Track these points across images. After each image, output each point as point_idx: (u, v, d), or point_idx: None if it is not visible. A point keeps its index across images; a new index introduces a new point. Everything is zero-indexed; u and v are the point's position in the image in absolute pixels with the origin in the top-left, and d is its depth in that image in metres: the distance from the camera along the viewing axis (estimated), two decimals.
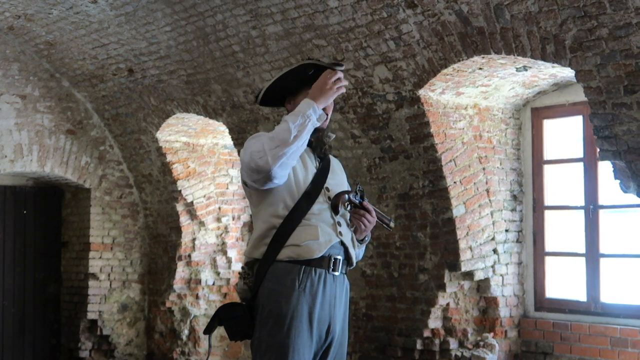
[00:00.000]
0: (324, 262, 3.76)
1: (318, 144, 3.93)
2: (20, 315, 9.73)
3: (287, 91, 3.91)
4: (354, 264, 3.93)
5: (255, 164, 3.65)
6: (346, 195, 3.83)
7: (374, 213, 3.91)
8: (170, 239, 9.61)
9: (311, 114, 3.68)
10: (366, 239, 3.99)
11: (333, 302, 3.79)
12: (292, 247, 3.73)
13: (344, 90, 3.81)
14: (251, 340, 3.78)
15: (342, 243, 3.83)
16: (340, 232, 3.83)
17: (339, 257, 3.81)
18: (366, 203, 3.88)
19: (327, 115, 3.81)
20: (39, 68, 9.35)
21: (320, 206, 3.79)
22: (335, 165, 4.03)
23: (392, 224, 4.05)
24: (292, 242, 3.73)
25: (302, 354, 3.69)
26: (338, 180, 3.96)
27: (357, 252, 3.98)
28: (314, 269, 3.74)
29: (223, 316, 3.79)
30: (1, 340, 9.61)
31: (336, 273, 3.80)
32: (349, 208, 3.85)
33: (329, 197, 3.84)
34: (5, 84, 9.17)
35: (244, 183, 3.85)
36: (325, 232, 3.77)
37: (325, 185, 3.87)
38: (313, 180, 3.84)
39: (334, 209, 3.80)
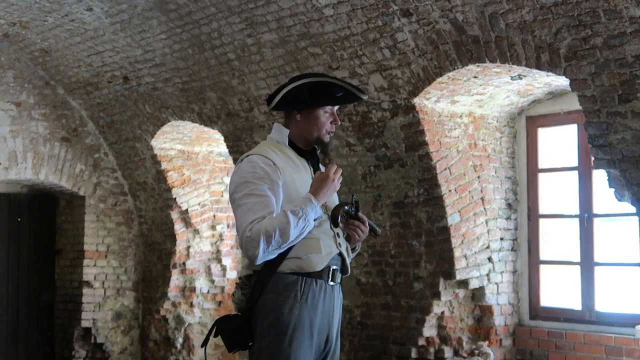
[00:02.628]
0: (324, 274, 3.77)
1: (316, 154, 3.94)
2: (14, 323, 9.69)
3: (300, 101, 3.85)
4: (348, 273, 3.95)
5: (244, 250, 3.66)
6: (345, 207, 3.85)
7: (367, 223, 3.93)
8: (165, 246, 9.59)
9: (311, 218, 3.67)
10: (357, 248, 4.03)
11: (331, 312, 3.81)
12: (294, 259, 3.72)
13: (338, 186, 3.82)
14: (251, 351, 3.77)
15: (340, 254, 3.84)
16: (339, 244, 3.84)
17: (336, 267, 3.82)
18: (361, 214, 3.91)
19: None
20: (33, 75, 9.34)
21: (320, 218, 3.80)
22: None
23: (378, 230, 4.09)
24: (294, 254, 3.72)
25: None
26: None
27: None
28: (315, 280, 3.74)
29: (221, 328, 3.78)
30: None
31: (333, 283, 3.81)
32: (345, 219, 3.88)
33: (326, 208, 3.84)
34: (0, 91, 9.16)
35: None
36: (326, 245, 3.79)
37: None
38: None
39: (334, 221, 3.81)
